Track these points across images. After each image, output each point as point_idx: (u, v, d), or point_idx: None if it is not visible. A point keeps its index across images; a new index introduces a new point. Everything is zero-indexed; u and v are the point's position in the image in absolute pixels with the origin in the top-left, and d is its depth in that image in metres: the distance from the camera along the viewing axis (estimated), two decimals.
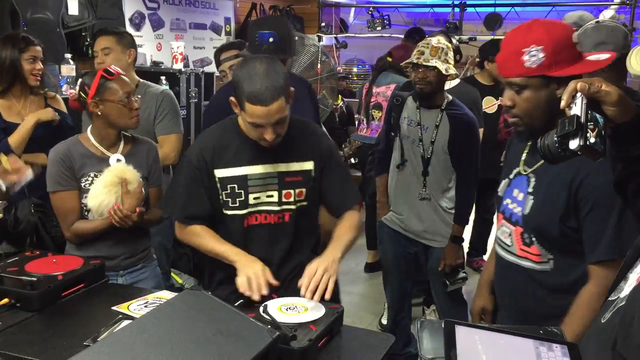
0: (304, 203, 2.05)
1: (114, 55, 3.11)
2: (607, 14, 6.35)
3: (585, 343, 1.20)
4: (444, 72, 2.80)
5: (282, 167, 2.00)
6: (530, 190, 1.72)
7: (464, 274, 3.00)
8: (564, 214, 1.63)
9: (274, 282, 1.86)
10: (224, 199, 2.01)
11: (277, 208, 2.01)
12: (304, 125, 2.11)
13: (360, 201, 2.18)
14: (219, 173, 2.00)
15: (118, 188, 2.23)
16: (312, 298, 1.78)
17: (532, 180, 1.72)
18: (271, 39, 2.38)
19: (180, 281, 3.73)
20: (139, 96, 2.39)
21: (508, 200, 1.80)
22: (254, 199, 2.00)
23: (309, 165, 2.03)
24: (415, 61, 2.86)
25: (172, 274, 3.62)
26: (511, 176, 1.82)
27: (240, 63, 1.91)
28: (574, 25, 3.00)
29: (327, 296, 1.80)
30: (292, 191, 2.01)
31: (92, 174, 2.28)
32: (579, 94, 1.27)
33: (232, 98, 1.91)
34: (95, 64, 3.17)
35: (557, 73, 1.55)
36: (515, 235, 1.76)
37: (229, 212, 2.02)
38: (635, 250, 1.19)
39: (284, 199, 2.01)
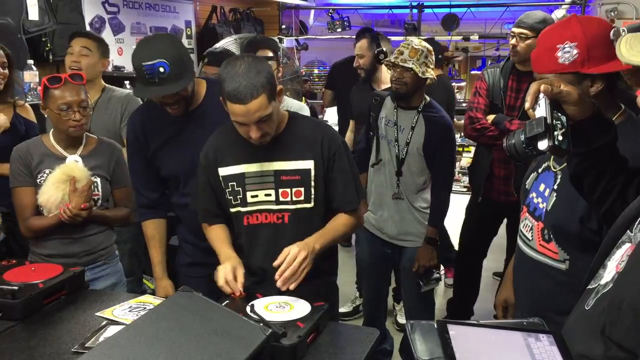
0: (306, 205, 2.02)
1: (91, 59, 3.09)
2: (558, 14, 6.56)
3: (570, 330, 1.24)
4: (419, 74, 2.81)
5: (278, 165, 2.00)
6: (555, 187, 1.72)
7: (438, 275, 3.03)
8: (585, 215, 1.62)
9: (239, 285, 1.89)
10: (227, 197, 2.05)
11: (275, 207, 2.02)
12: (310, 124, 2.10)
13: (363, 202, 2.14)
14: (222, 172, 2.04)
15: (65, 185, 2.29)
16: (282, 286, 1.82)
17: (559, 177, 1.72)
18: (162, 69, 2.06)
19: (152, 286, 3.70)
20: (90, 108, 2.40)
21: (534, 194, 1.80)
22: (252, 197, 2.02)
23: (307, 165, 2.00)
24: (392, 60, 2.88)
25: (143, 280, 3.60)
26: (539, 170, 1.82)
27: (224, 63, 1.90)
28: (519, 22, 3.15)
29: (292, 287, 1.83)
30: (288, 190, 2.00)
31: (47, 171, 2.35)
32: (541, 95, 1.35)
33: (221, 97, 1.92)
34: (69, 62, 3.11)
35: (590, 70, 1.55)
36: (536, 230, 1.76)
37: (233, 210, 2.06)
38: (610, 238, 1.25)
39: (281, 198, 2.01)
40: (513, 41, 3.15)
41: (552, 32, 1.64)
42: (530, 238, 1.79)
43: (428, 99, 2.97)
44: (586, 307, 1.20)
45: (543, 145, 1.32)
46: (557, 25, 1.66)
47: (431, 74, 2.87)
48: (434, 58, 2.93)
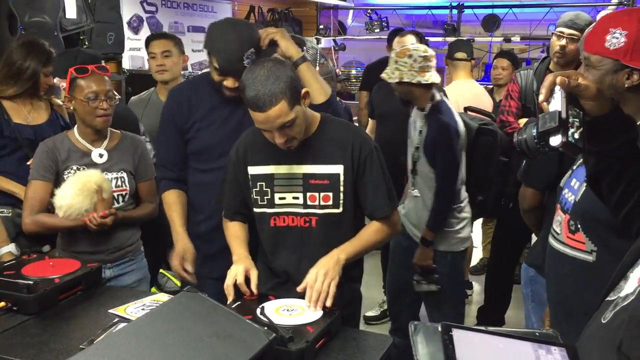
0: (334, 210, 1.97)
1: (173, 58, 3.34)
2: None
3: (585, 343, 1.16)
4: (387, 78, 2.83)
5: (307, 168, 1.97)
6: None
7: (435, 288, 2.91)
8: None
9: (253, 286, 1.87)
10: (254, 197, 2.03)
11: (302, 210, 1.98)
12: (342, 127, 2.04)
13: (394, 208, 2.07)
14: (251, 170, 2.03)
15: (94, 195, 2.29)
16: (315, 308, 1.77)
17: None
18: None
19: (179, 284, 3.71)
20: (116, 99, 2.41)
21: (566, 190, 1.81)
22: (280, 198, 1.99)
23: (337, 169, 1.96)
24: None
25: (171, 277, 3.60)
26: (574, 167, 1.83)
27: (246, 70, 1.87)
28: (569, 23, 3.03)
29: (328, 303, 1.78)
30: (316, 194, 1.96)
31: (74, 167, 2.37)
32: (557, 88, 1.26)
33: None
34: (154, 67, 3.39)
35: (630, 62, 1.53)
36: (564, 223, 1.76)
37: (258, 210, 2.04)
38: (635, 250, 1.18)
39: (309, 202, 1.97)
40: (562, 42, 3.03)
41: (614, 16, 1.62)
42: (559, 232, 1.79)
43: (438, 100, 2.88)
44: (603, 320, 1.12)
45: (556, 141, 1.22)
46: (621, 12, 1.64)
47: (397, 75, 2.79)
48: (409, 61, 2.77)
